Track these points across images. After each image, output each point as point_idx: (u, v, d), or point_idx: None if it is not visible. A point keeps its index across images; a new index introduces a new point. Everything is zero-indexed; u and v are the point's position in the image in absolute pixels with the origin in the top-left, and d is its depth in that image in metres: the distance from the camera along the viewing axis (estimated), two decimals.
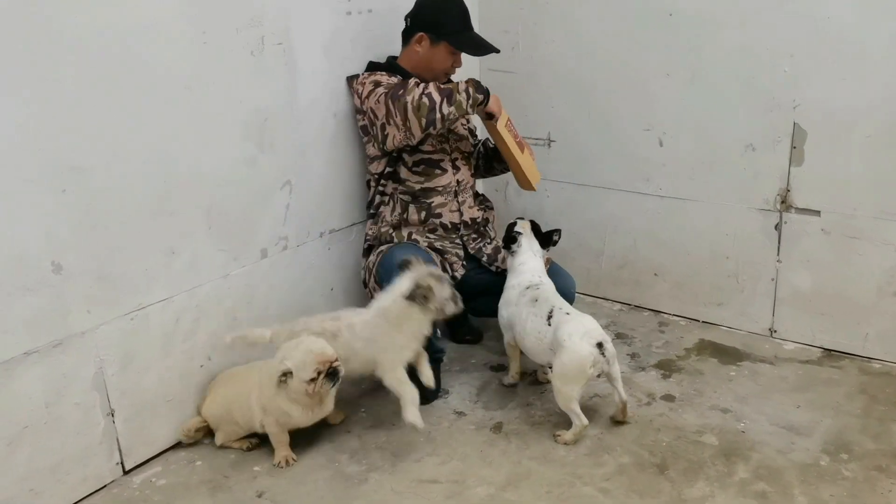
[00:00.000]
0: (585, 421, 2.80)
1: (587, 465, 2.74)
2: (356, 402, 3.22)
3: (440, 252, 3.26)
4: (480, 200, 3.48)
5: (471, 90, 3.01)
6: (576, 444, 2.83)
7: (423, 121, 2.96)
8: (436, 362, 3.30)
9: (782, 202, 3.38)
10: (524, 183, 3.38)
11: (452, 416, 3.08)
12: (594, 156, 3.85)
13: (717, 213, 3.56)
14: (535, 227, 3.19)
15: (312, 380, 2.67)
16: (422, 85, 3.00)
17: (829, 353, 3.42)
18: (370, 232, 3.37)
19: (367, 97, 3.13)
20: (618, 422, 2.94)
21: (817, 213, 3.31)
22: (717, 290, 3.67)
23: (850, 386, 3.16)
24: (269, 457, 2.84)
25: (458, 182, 3.32)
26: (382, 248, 3.26)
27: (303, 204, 3.26)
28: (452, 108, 2.98)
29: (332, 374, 2.70)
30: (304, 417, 2.78)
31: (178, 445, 2.94)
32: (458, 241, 3.32)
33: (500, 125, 3.16)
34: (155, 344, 2.80)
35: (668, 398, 3.13)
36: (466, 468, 2.75)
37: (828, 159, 3.23)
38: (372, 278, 3.26)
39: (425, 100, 2.95)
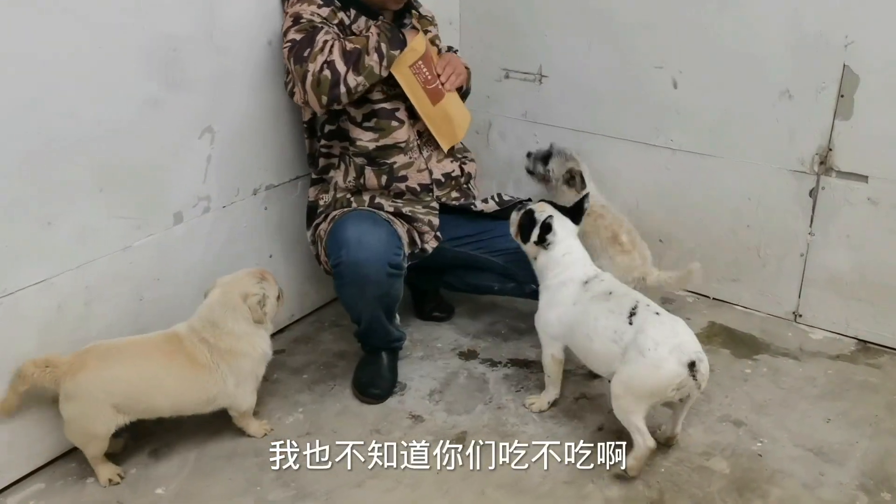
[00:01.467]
0: (652, 443, 2.20)
1: (566, 499, 2.21)
2: (293, 398, 2.67)
3: (409, 219, 2.65)
4: (457, 150, 2.84)
5: (384, 47, 2.43)
6: (557, 472, 2.30)
7: (324, 98, 2.40)
8: (393, 351, 2.74)
9: (821, 163, 2.75)
10: (440, 139, 2.73)
11: (407, 422, 2.54)
12: (593, 97, 3.19)
13: (740, 174, 2.93)
14: (553, 205, 2.56)
15: (279, 296, 2.47)
16: (328, 47, 2.39)
17: (864, 345, 2.85)
18: (320, 201, 2.75)
19: (284, 34, 2.49)
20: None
21: (864, 178, 2.69)
22: (733, 263, 3.07)
23: (891, 392, 2.60)
24: (176, 475, 2.32)
25: (419, 134, 2.68)
26: (336, 213, 2.65)
27: (229, 155, 2.63)
28: (361, 78, 2.41)
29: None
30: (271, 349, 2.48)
31: (69, 454, 2.41)
32: (433, 204, 2.71)
33: (401, 67, 2.53)
34: (29, 337, 2.23)
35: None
36: (417, 498, 2.22)
37: (883, 113, 2.59)
38: (322, 251, 2.66)
39: (327, 72, 2.37)
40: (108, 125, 2.26)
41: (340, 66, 2.37)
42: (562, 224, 2.47)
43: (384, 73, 2.45)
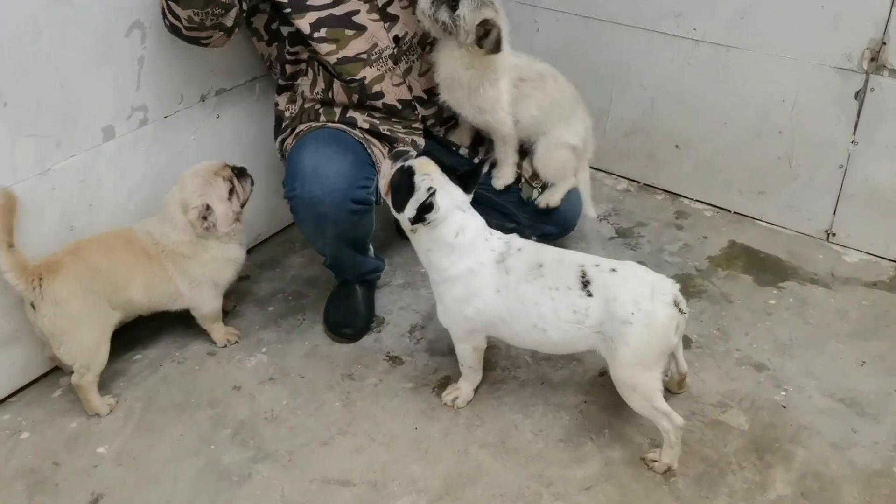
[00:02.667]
0: (681, 420, 1.83)
1: (560, 462, 1.93)
2: (256, 336, 2.37)
3: (387, 139, 2.25)
4: None
5: None
6: (550, 428, 2.02)
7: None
8: (368, 284, 2.41)
9: (872, 60, 2.31)
10: None
11: (383, 365, 2.24)
12: None
13: (773, 70, 2.49)
14: (441, 164, 1.93)
15: (231, 191, 2.15)
16: None
17: None
18: (286, 112, 2.33)
19: None
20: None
21: None
22: (759, 173, 2.68)
23: None
24: (120, 430, 2.05)
25: (395, 39, 2.23)
26: (302, 128, 2.25)
27: (166, 56, 2.21)
28: (180, 9, 1.98)
29: (240, 172, 2.21)
30: (242, 252, 2.28)
31: (4, 401, 2.15)
32: (416, 124, 2.30)
33: None
34: None
35: (684, 343, 2.25)
36: (391, 460, 1.95)
37: None
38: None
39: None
40: (7, 24, 1.84)
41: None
42: (448, 195, 1.86)
43: None
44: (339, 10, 2.13)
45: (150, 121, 2.23)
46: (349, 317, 2.35)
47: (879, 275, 2.49)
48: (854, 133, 2.43)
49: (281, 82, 2.34)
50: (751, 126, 2.62)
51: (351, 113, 2.24)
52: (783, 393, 2.09)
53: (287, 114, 2.33)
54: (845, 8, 2.29)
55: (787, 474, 1.87)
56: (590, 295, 1.81)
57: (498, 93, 2.20)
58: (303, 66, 2.27)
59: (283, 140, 2.33)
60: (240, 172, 2.18)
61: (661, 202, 2.90)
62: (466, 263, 1.90)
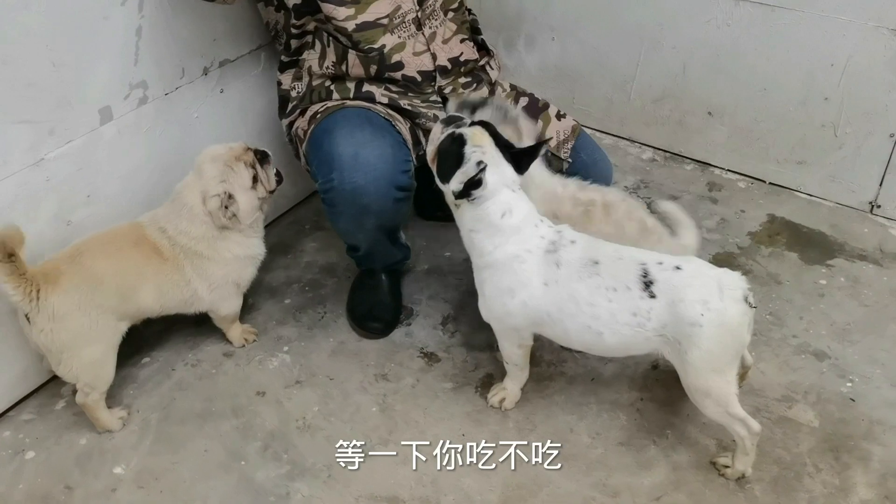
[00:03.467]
0: (757, 426, 1.69)
1: (624, 469, 1.80)
2: (275, 333, 2.17)
3: (410, 115, 2.04)
4: (468, 27, 2.15)
5: None
6: (608, 430, 1.88)
7: None
8: (395, 272, 2.23)
9: None
10: None
11: (419, 363, 2.07)
12: None
13: (822, 32, 2.32)
14: (495, 136, 1.71)
15: (255, 178, 1.92)
16: None
17: None
18: (292, 91, 2.09)
19: None
20: None
21: None
22: (800, 142, 2.53)
23: None
24: (137, 446, 1.86)
25: (418, 2, 1.99)
26: (317, 109, 2.02)
27: (166, 25, 1.96)
28: None
29: (262, 157, 1.96)
30: (263, 247, 2.06)
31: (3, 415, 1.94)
32: (434, 96, 2.07)
33: None
34: None
35: None
36: (441, 471, 1.80)
37: None
38: (302, 156, 2.07)
39: None
40: None
41: None
42: (498, 171, 1.67)
43: None
44: None
45: (150, 99, 1.99)
46: (377, 309, 2.16)
47: None
48: None
49: (284, 58, 2.10)
50: (794, 92, 2.46)
51: (367, 87, 2.02)
52: (849, 384, 1.98)
53: (293, 93, 2.09)
54: None
55: (866, 476, 1.76)
56: (652, 296, 1.63)
57: None
58: (309, 38, 2.03)
59: (292, 123, 2.10)
60: (262, 157, 1.95)
61: (690, 172, 2.74)
62: (512, 249, 1.71)
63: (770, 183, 2.65)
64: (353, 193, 1.82)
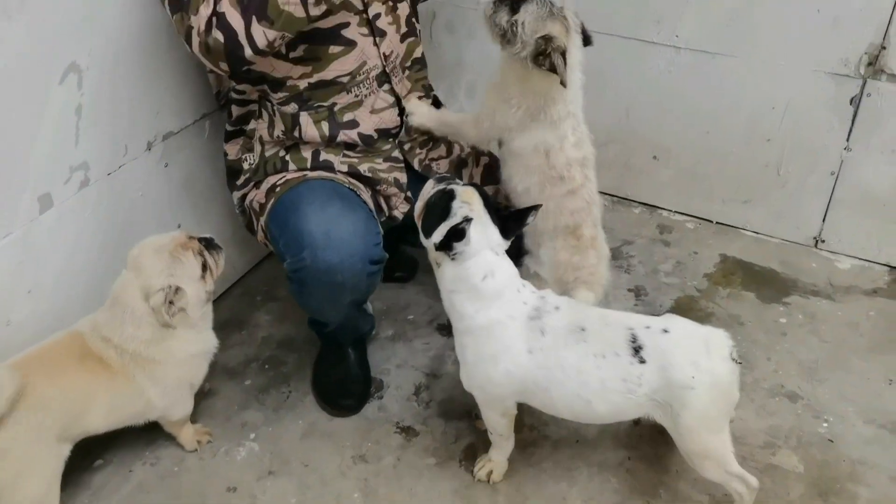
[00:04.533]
0: (755, 482, 1.67)
1: None
2: (240, 419, 2.04)
3: (370, 182, 1.96)
4: (423, 85, 2.10)
5: None
6: (601, 494, 1.83)
7: (224, 65, 1.67)
8: (361, 344, 2.13)
9: (869, 65, 2.24)
10: None
11: (397, 440, 1.98)
12: None
13: (763, 77, 2.38)
14: (485, 198, 1.69)
15: (204, 267, 1.77)
16: None
17: None
18: (244, 163, 1.99)
19: None
20: None
21: None
22: (745, 182, 2.58)
23: None
24: None
25: (384, 57, 1.93)
26: (276, 183, 1.91)
27: (107, 101, 1.83)
28: (276, 31, 1.63)
29: (208, 243, 1.81)
30: (215, 338, 1.90)
31: None
32: (396, 154, 2.01)
33: None
34: None
35: None
36: None
37: None
38: (259, 229, 1.95)
39: (217, 34, 1.60)
40: None
41: (235, 20, 1.59)
42: (483, 231, 1.63)
43: (314, 12, 1.65)
44: (326, 23, 1.79)
45: (92, 181, 1.84)
46: (346, 384, 2.06)
47: (876, 280, 2.46)
48: (848, 139, 2.36)
49: (228, 127, 2.00)
50: (737, 134, 2.51)
51: (324, 155, 1.94)
52: (825, 424, 2.00)
53: (245, 165, 1.98)
54: (843, 12, 2.20)
55: None
56: (643, 361, 1.60)
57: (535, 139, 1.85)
58: (254, 106, 1.94)
59: (245, 196, 2.00)
60: (208, 244, 1.82)
61: (639, 216, 2.76)
62: (494, 314, 1.65)
63: (717, 222, 2.69)
64: (327, 272, 1.72)
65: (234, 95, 1.92)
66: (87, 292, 1.87)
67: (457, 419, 2.02)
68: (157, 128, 1.99)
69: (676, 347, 1.61)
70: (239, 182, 2.00)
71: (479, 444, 1.95)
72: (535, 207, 1.69)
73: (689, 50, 2.45)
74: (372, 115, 1.95)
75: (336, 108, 1.90)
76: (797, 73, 2.33)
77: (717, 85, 2.46)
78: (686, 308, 2.35)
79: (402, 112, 1.98)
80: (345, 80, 1.87)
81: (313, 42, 1.81)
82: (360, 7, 1.85)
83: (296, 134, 1.90)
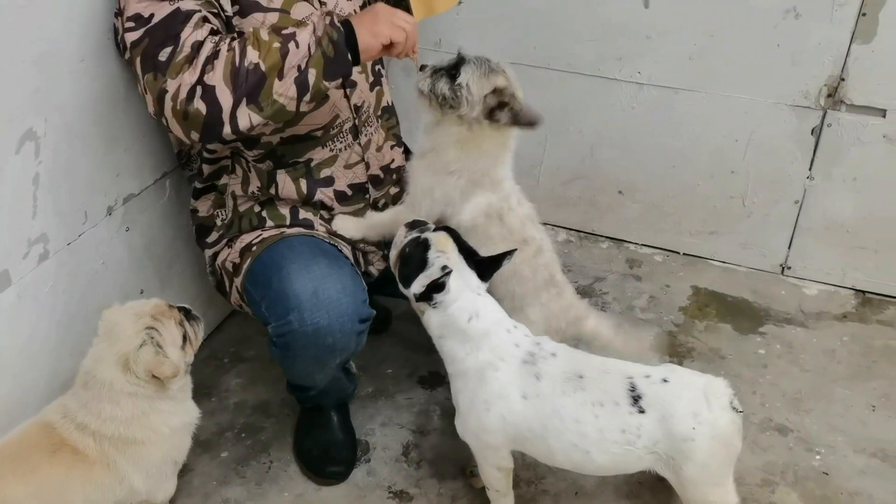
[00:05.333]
0: None
1: None
2: (219, 495, 1.91)
3: (350, 240, 1.88)
4: (395, 133, 2.04)
5: (312, 72, 1.53)
6: None
7: (195, 135, 1.55)
8: (344, 406, 2.04)
9: (829, 96, 2.29)
10: (427, 6, 1.82)
11: None
12: (535, 19, 2.49)
13: (726, 111, 2.41)
14: (459, 242, 1.67)
15: (184, 338, 1.67)
16: (205, 54, 1.50)
17: (863, 296, 2.53)
18: (216, 219, 1.88)
19: (125, 31, 1.55)
20: None
21: (881, 112, 2.27)
22: (712, 214, 2.60)
23: None
24: None
25: (355, 109, 1.87)
26: (250, 240, 1.82)
27: (66, 168, 1.70)
28: (262, 117, 1.54)
29: (186, 313, 1.70)
30: (196, 408, 1.79)
31: None
32: (369, 210, 1.93)
33: None
34: None
35: None
36: None
37: None
38: (234, 290, 1.84)
39: (199, 105, 1.50)
40: None
41: (224, 96, 1.49)
42: (461, 277, 1.61)
43: (304, 109, 1.57)
44: None
45: (51, 253, 1.70)
46: (332, 450, 1.96)
47: (843, 305, 2.50)
48: (810, 169, 2.41)
49: (198, 185, 1.90)
50: (702, 167, 2.53)
51: (303, 214, 1.85)
52: (818, 457, 2.00)
53: (217, 221, 1.88)
54: (802, 46, 2.24)
55: None
56: (642, 411, 1.56)
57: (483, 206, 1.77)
58: (226, 162, 1.85)
59: (217, 255, 1.89)
60: (187, 314, 1.71)
61: (607, 250, 2.75)
62: (484, 356, 1.61)
63: (685, 254, 2.71)
64: (316, 335, 1.63)
65: (205, 154, 1.81)
66: (49, 375, 1.73)
67: (451, 479, 1.94)
68: (117, 191, 1.86)
69: (676, 398, 1.56)
70: (210, 239, 1.90)
71: (477, 503, 1.87)
72: (510, 252, 1.65)
73: (652, 86, 2.46)
74: (346, 171, 1.88)
75: (313, 164, 1.82)
76: (759, 105, 2.37)
77: (680, 120, 2.48)
78: (668, 344, 2.34)
79: (367, 165, 1.92)
80: (318, 133, 1.80)
81: None
82: None
83: (272, 191, 1.81)
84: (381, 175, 1.96)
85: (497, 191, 1.79)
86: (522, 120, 1.71)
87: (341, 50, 1.54)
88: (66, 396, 1.61)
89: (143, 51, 1.51)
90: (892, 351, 2.32)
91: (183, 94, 1.48)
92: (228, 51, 1.50)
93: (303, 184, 1.83)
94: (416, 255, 1.62)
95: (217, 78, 1.48)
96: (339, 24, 1.55)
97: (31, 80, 1.56)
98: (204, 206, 1.89)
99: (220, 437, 2.06)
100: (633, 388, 1.57)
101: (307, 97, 1.54)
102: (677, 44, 2.37)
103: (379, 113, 1.96)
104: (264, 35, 1.52)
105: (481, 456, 1.72)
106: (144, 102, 1.55)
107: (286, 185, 1.81)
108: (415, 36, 1.63)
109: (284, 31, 1.53)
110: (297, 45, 1.52)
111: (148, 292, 2.02)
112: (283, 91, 1.52)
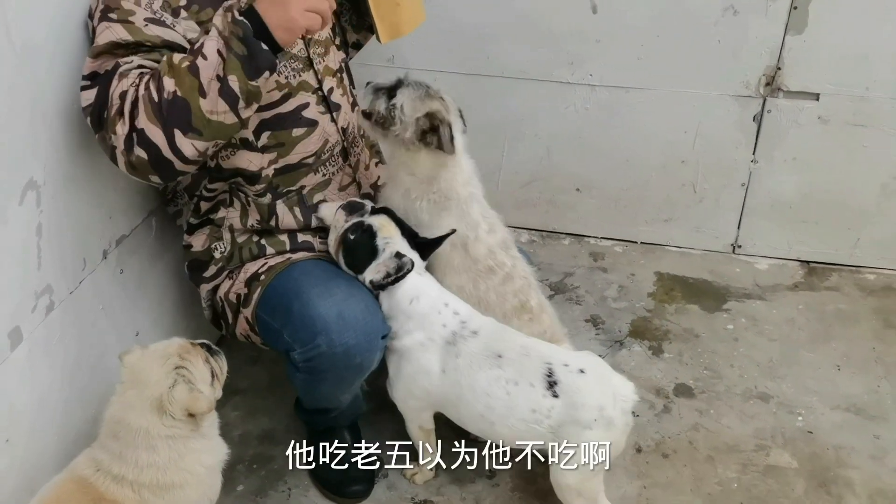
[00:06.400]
0: None
1: None
2: None
3: None
4: (376, 147, 2.08)
5: (233, 77, 1.46)
6: None
7: (157, 179, 1.56)
8: (355, 425, 2.07)
9: (767, 85, 2.47)
10: (393, 28, 1.90)
11: None
12: (486, 30, 2.57)
13: (675, 106, 2.57)
14: (400, 224, 1.80)
15: (212, 374, 1.62)
16: (129, 101, 1.48)
17: (808, 266, 2.74)
18: (214, 251, 1.86)
19: (80, 90, 1.55)
20: None
21: (815, 96, 2.47)
22: (666, 203, 2.76)
23: (865, 317, 2.51)
24: None
25: (342, 132, 1.90)
26: (255, 269, 1.82)
27: (65, 215, 1.65)
28: (204, 141, 1.51)
29: (208, 349, 1.65)
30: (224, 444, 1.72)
31: None
32: None
33: None
34: None
35: (685, 392, 2.25)
36: None
37: (839, 22, 2.35)
38: (242, 321, 1.83)
39: (140, 151, 1.49)
40: None
41: (156, 135, 1.46)
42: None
43: (247, 114, 1.53)
44: (287, 107, 1.74)
45: (56, 304, 1.65)
46: (352, 469, 1.96)
47: (793, 276, 2.70)
48: (754, 153, 2.59)
49: (193, 220, 1.87)
50: (655, 160, 2.68)
51: (302, 237, 1.87)
52: (800, 418, 2.17)
53: (216, 254, 1.86)
54: (741, 40, 2.41)
55: (858, 501, 1.93)
56: (555, 396, 1.67)
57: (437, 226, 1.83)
58: (224, 196, 1.84)
59: (217, 288, 1.88)
60: (209, 349, 1.69)
61: (570, 246, 2.86)
62: (418, 336, 1.75)
63: (642, 242, 2.85)
64: (346, 355, 1.66)
65: (204, 193, 1.80)
66: (61, 429, 1.68)
67: (470, 482, 1.99)
68: (110, 234, 1.82)
69: (590, 390, 1.67)
70: (207, 274, 1.87)
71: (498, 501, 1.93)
72: (450, 233, 1.78)
73: (603, 87, 2.59)
74: (340, 193, 1.91)
75: (305, 191, 1.84)
76: (704, 98, 2.53)
77: (632, 117, 2.62)
78: (643, 329, 2.47)
79: (359, 185, 1.96)
80: (310, 160, 1.82)
81: (276, 128, 1.75)
82: (316, 85, 1.81)
83: (272, 223, 1.82)
84: (372, 193, 2.00)
85: (464, 217, 1.84)
86: (444, 148, 1.75)
87: (253, 45, 1.46)
88: (92, 449, 1.56)
89: (90, 113, 1.51)
90: (843, 314, 2.53)
91: (122, 146, 1.47)
92: (145, 90, 1.47)
93: (298, 212, 1.84)
94: (363, 243, 1.73)
95: (143, 120, 1.46)
96: (241, 18, 1.46)
97: (29, 128, 1.52)
98: (199, 241, 1.87)
99: (231, 471, 2.01)
100: (550, 374, 1.68)
101: (241, 104, 1.49)
102: (625, 46, 2.50)
103: (362, 133, 2.00)
104: (176, 59, 1.48)
105: (407, 416, 1.89)
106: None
107: (286, 216, 1.82)
108: (329, 14, 1.54)
109: (194, 47, 1.50)
110: (206, 57, 1.46)
111: (143, 333, 1.98)
112: (213, 108, 1.47)
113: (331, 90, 1.86)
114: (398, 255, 1.71)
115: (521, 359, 1.70)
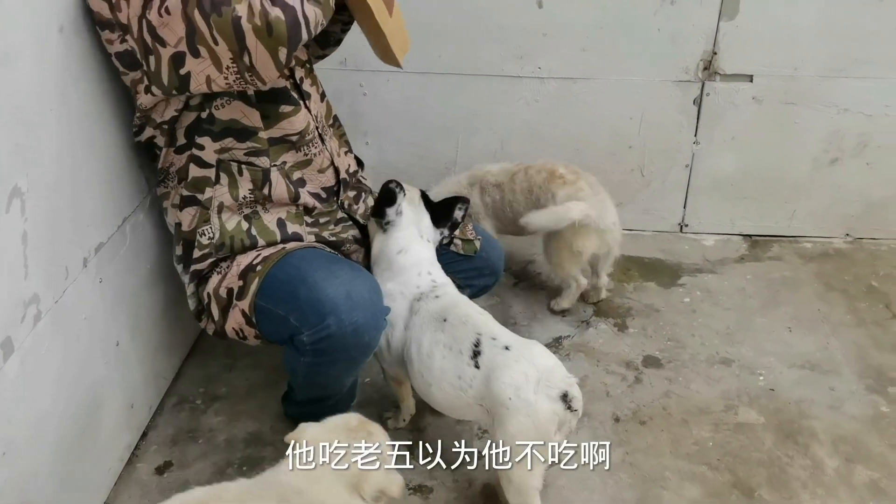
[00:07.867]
0: None
1: None
2: None
3: (334, 246, 1.94)
4: (344, 137, 2.13)
5: None
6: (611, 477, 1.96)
7: (283, 52, 1.55)
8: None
9: (705, 69, 2.62)
10: (389, 57, 1.99)
11: (415, 502, 1.96)
12: (437, 29, 2.64)
13: (619, 93, 2.69)
14: (427, 200, 2.00)
15: None
16: None
17: (751, 239, 2.91)
18: (200, 236, 1.85)
19: (154, 9, 1.55)
20: None
21: (749, 78, 2.63)
22: (616, 188, 2.81)
23: (808, 282, 2.70)
24: None
25: (316, 117, 1.95)
26: (250, 262, 1.82)
27: (47, 222, 1.63)
28: (320, 13, 1.60)
29: None
30: None
31: None
32: (341, 215, 2.00)
33: None
34: None
35: (654, 363, 2.36)
36: None
37: (768, 7, 2.52)
38: (237, 314, 1.83)
39: (277, 11, 1.50)
40: None
41: None
42: (415, 211, 1.93)
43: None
44: (276, 83, 1.77)
45: (43, 314, 1.62)
46: None
47: (738, 249, 2.86)
48: (696, 134, 2.74)
49: (185, 192, 1.85)
50: (603, 147, 2.80)
51: (291, 227, 1.88)
52: (761, 378, 2.30)
53: (203, 239, 1.84)
54: (679, 28, 2.56)
55: (823, 448, 2.07)
56: (477, 367, 1.71)
57: None
58: (209, 172, 1.82)
59: (205, 282, 1.88)
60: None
61: (527, 240, 2.94)
62: (391, 286, 1.87)
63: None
64: (356, 334, 1.69)
65: (195, 152, 1.79)
66: (56, 445, 1.65)
67: (462, 465, 2.04)
68: (89, 241, 1.80)
69: (505, 367, 1.67)
70: (195, 255, 1.86)
71: (494, 481, 1.98)
72: (461, 201, 1.97)
73: (552, 79, 2.69)
74: (319, 175, 1.94)
75: (287, 167, 1.86)
76: (648, 85, 2.67)
77: (580, 106, 2.73)
78: (607, 308, 2.57)
79: (336, 170, 2.00)
80: (294, 138, 1.85)
81: (267, 100, 1.79)
82: (288, 73, 1.85)
83: (265, 191, 1.83)
84: (347, 178, 2.04)
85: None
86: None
87: None
88: None
89: (188, 5, 1.50)
90: (788, 280, 2.70)
91: (257, 6, 1.48)
92: None
93: (290, 186, 1.87)
94: (389, 192, 1.88)
95: None
96: None
97: (12, 136, 1.50)
98: (187, 219, 1.85)
99: (221, 475, 2.02)
100: (477, 344, 1.72)
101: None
102: (571, 38, 2.61)
103: (331, 122, 2.05)
104: None
105: (382, 360, 1.96)
106: (178, 88, 1.61)
107: (279, 184, 1.84)
108: None
109: None
110: None
111: (122, 343, 1.96)
112: None
113: (301, 79, 1.91)
114: (397, 186, 1.87)
115: (460, 326, 1.76)
